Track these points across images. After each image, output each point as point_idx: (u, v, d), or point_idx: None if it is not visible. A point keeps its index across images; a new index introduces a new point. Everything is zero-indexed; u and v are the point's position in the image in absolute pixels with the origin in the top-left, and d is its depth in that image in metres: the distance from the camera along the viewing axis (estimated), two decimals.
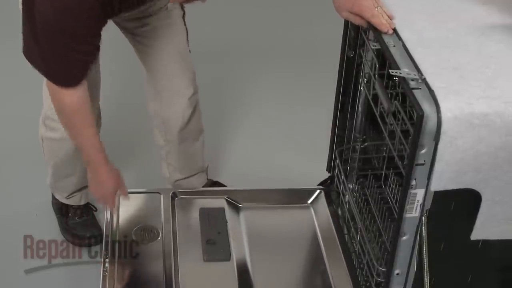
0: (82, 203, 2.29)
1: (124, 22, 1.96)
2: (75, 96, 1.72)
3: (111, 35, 1.83)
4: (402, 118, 1.52)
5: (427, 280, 1.54)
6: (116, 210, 1.97)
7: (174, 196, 2.06)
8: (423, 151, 1.38)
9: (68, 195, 2.26)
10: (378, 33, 1.59)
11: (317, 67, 3.07)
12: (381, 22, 1.58)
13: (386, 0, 1.65)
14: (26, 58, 1.74)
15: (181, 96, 2.10)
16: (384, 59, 1.60)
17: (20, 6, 1.80)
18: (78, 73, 1.70)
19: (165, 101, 2.12)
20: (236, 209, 2.04)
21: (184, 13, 2.03)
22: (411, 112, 1.50)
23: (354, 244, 1.92)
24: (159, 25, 1.97)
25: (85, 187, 2.28)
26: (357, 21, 1.64)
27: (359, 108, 1.93)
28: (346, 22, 1.80)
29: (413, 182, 1.42)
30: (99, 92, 2.05)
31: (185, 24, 2.04)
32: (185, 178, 2.32)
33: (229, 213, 2.02)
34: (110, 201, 1.93)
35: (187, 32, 2.05)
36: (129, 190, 2.07)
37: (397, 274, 1.55)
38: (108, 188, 1.90)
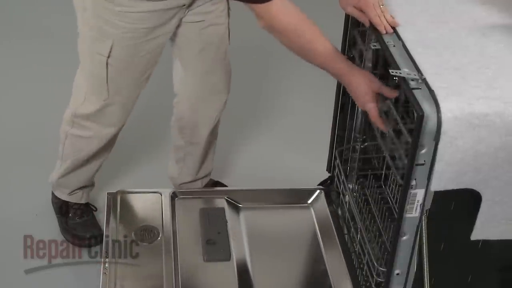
0: (83, 201, 2.30)
1: (189, 16, 1.94)
2: (283, 9, 1.60)
3: None
4: (402, 117, 1.52)
5: (427, 280, 1.54)
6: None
7: (174, 196, 2.06)
8: (423, 151, 1.38)
9: (71, 192, 2.26)
10: (378, 33, 1.59)
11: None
12: (380, 22, 1.59)
13: (388, 0, 1.65)
14: None
15: (219, 98, 2.15)
16: (385, 59, 1.60)
17: None
18: None
19: (205, 102, 2.14)
20: (236, 209, 2.04)
21: (229, 15, 2.04)
22: (405, 112, 1.50)
23: (354, 244, 1.92)
24: (214, 23, 1.99)
25: (88, 185, 2.29)
26: (361, 17, 1.65)
27: (359, 109, 1.93)
28: (346, 22, 1.80)
29: (413, 182, 1.42)
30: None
31: (229, 27, 2.05)
32: (192, 181, 2.33)
33: (229, 213, 2.01)
34: (372, 113, 1.62)
35: (229, 35, 2.07)
36: (129, 190, 2.07)
37: (397, 274, 1.55)
38: (361, 97, 1.64)
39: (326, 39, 1.63)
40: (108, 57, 1.89)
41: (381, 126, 1.61)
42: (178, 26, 1.95)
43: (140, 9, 1.82)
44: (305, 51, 1.65)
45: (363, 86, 1.61)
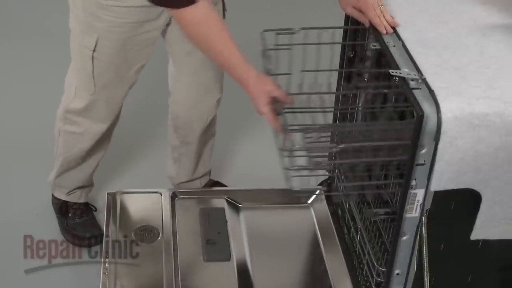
0: (82, 201, 2.29)
1: None
2: (197, 13, 1.66)
3: None
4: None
5: (427, 280, 1.54)
6: (280, 129, 1.66)
7: (174, 196, 2.06)
8: (423, 151, 1.38)
9: (69, 191, 2.26)
10: (378, 33, 1.59)
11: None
12: (380, 23, 1.59)
13: (388, 0, 1.65)
14: None
15: (212, 97, 2.14)
16: (384, 59, 1.60)
17: None
18: None
19: (195, 102, 2.14)
20: (236, 209, 2.04)
21: (224, 18, 2.04)
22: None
23: (354, 244, 1.92)
24: None
25: (87, 185, 2.29)
26: (361, 18, 1.66)
27: (359, 108, 1.93)
28: (346, 22, 1.80)
29: (413, 182, 1.42)
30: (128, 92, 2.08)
31: None
32: (189, 181, 2.33)
33: (229, 213, 2.02)
34: (267, 116, 1.66)
35: None
36: (129, 190, 2.07)
37: (397, 274, 1.55)
38: (255, 101, 1.68)
39: (231, 42, 1.68)
40: (94, 51, 1.90)
41: (277, 129, 1.64)
42: (168, 24, 1.94)
43: (129, 3, 1.82)
44: (206, 49, 1.72)
45: (258, 91, 1.65)
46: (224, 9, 2.03)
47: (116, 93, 2.04)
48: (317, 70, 1.70)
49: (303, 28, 1.67)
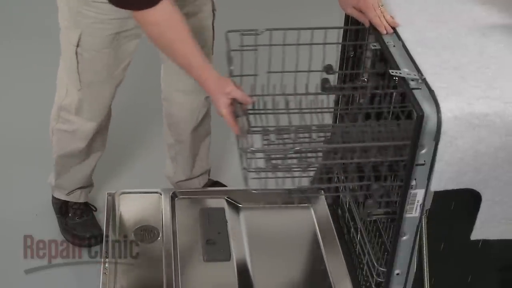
0: (81, 200, 2.30)
1: None
2: (157, 14, 1.65)
3: None
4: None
5: (427, 280, 1.54)
6: (240, 131, 1.63)
7: (174, 196, 2.06)
8: (423, 151, 1.38)
9: (69, 192, 2.27)
10: (378, 33, 1.59)
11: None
12: (380, 23, 1.60)
13: None
14: None
15: (200, 95, 2.13)
16: (385, 59, 1.60)
17: None
18: None
19: (182, 99, 2.14)
20: (236, 209, 2.04)
21: (214, 19, 2.04)
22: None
23: (354, 244, 1.92)
24: (192, 25, 1.98)
25: (87, 186, 2.29)
26: (361, 18, 1.66)
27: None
28: (346, 22, 1.80)
29: (413, 182, 1.42)
30: (116, 91, 2.08)
31: (213, 29, 2.05)
32: (187, 180, 2.33)
33: (229, 213, 2.02)
34: (226, 118, 1.65)
35: (213, 37, 2.06)
36: (129, 190, 2.07)
37: (397, 274, 1.55)
38: (215, 103, 1.68)
39: (191, 43, 1.67)
40: (77, 46, 1.90)
41: (236, 132, 1.63)
42: None
43: None
44: (165, 48, 1.72)
45: (217, 92, 1.64)
46: (213, 9, 2.03)
47: (103, 91, 2.04)
48: (283, 72, 1.69)
49: (268, 29, 1.66)
